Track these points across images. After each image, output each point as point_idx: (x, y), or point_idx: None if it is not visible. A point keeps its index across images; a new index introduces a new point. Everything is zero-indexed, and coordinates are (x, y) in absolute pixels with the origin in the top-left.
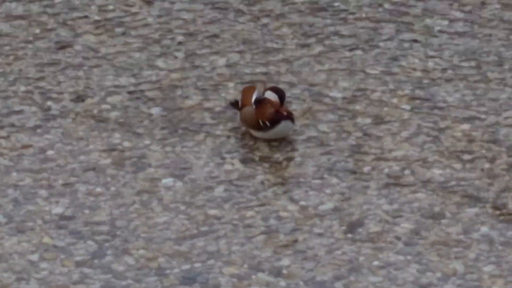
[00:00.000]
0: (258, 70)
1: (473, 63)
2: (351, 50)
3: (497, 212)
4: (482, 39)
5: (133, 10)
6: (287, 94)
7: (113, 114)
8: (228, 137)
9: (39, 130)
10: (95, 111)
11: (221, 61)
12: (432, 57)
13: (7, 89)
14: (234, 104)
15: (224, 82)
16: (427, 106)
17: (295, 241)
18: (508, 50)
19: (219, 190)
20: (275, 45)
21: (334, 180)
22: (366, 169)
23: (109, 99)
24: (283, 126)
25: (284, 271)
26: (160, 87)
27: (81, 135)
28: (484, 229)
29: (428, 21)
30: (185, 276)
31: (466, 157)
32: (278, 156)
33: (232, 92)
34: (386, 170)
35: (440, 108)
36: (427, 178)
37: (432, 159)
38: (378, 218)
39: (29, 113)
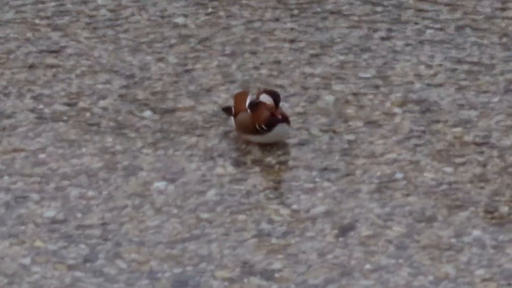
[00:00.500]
0: (250, 73)
1: (465, 67)
2: (343, 54)
3: (489, 216)
4: (474, 43)
5: (125, 13)
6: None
7: (105, 118)
8: (220, 140)
9: (31, 134)
10: (87, 115)
11: (213, 64)
12: (423, 61)
13: None
14: (226, 110)
15: (216, 86)
16: (419, 110)
17: (287, 244)
18: (499, 54)
19: (211, 194)
20: (267, 49)
21: (326, 184)
22: (358, 172)
23: (101, 103)
24: (280, 129)
25: (276, 275)
26: (152, 90)
27: (73, 138)
28: (476, 232)
29: (420, 25)
30: (177, 279)
31: (458, 160)
32: (270, 159)
33: (224, 96)
34: (378, 174)
35: (432, 112)
36: (419, 182)
37: (424, 162)
38: (369, 221)
39: (21, 116)
